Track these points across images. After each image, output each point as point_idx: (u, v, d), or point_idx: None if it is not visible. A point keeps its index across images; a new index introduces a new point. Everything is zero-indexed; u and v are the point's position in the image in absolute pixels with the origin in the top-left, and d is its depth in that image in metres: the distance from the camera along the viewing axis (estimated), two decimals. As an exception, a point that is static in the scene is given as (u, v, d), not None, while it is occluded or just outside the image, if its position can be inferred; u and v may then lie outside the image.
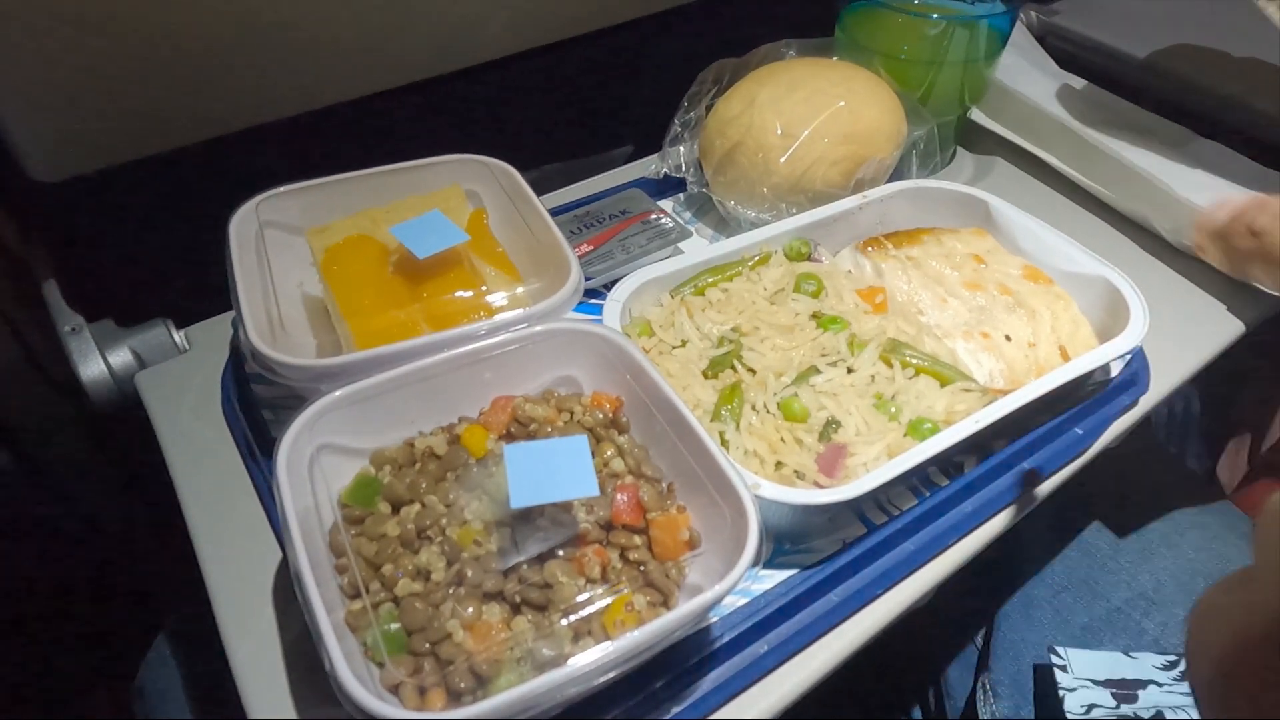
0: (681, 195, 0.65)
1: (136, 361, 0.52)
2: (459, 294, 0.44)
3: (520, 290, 0.45)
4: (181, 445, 0.47)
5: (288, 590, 0.40)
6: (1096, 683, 0.58)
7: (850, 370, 0.45)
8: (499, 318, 0.42)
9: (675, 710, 0.36)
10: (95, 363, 0.52)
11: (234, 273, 0.43)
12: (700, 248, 0.53)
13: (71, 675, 0.85)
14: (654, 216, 0.60)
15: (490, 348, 0.40)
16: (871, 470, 0.39)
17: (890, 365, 0.45)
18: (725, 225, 0.62)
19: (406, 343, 0.40)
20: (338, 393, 0.37)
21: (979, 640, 0.69)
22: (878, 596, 0.41)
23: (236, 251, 0.44)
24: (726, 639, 0.37)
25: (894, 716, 0.72)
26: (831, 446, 0.41)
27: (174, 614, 0.77)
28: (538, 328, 0.41)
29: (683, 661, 0.37)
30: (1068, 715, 0.56)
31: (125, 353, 0.52)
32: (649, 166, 0.64)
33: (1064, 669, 0.58)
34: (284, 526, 0.32)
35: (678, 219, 0.59)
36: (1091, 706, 0.57)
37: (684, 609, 0.31)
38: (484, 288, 0.45)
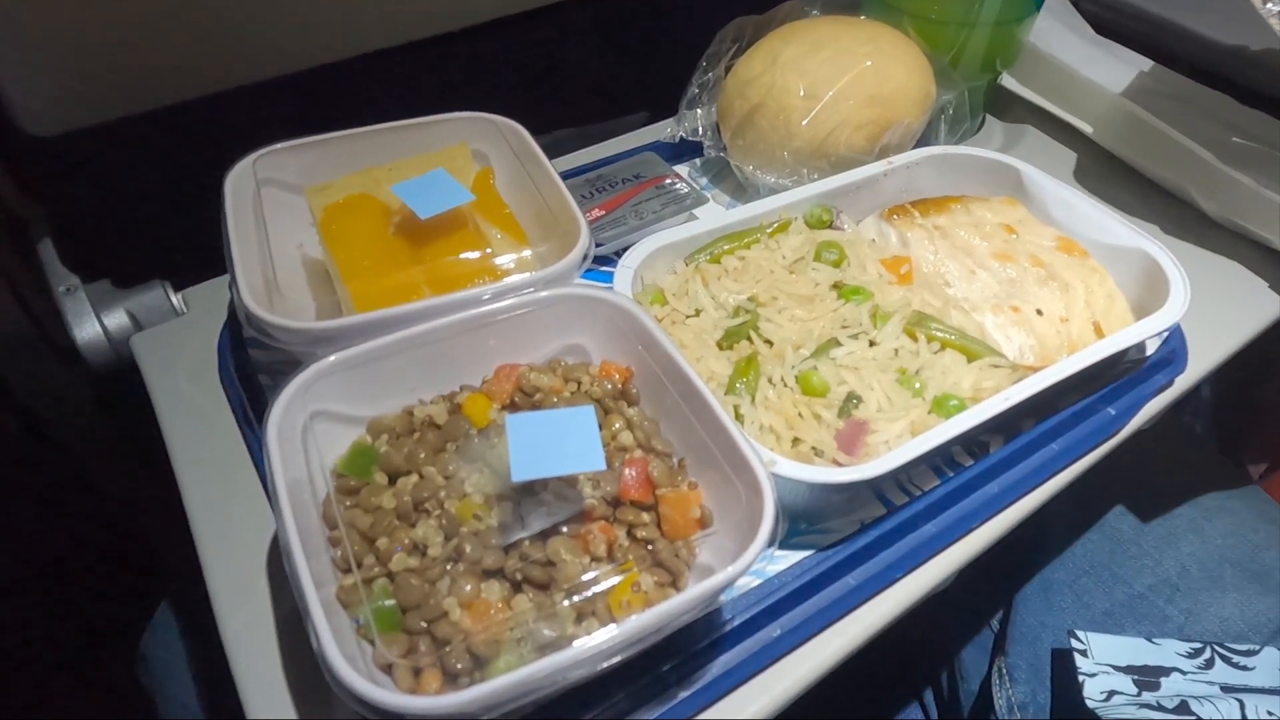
0: (698, 160, 0.62)
1: (133, 324, 0.51)
2: (463, 256, 0.42)
3: (527, 254, 0.43)
4: (177, 411, 0.45)
5: (280, 563, 0.39)
6: (1117, 668, 0.56)
7: (872, 343, 0.43)
8: (504, 282, 0.40)
9: (683, 694, 0.34)
10: (90, 324, 0.51)
11: (229, 232, 0.41)
12: (716, 214, 0.51)
13: (73, 642, 0.85)
14: (669, 181, 0.57)
15: (495, 313, 0.39)
16: (893, 448, 0.37)
17: (915, 339, 0.43)
18: (743, 191, 0.59)
19: (407, 306, 0.38)
20: (333, 357, 0.35)
21: (995, 623, 0.67)
22: (896, 580, 0.39)
23: (232, 210, 0.42)
24: (738, 622, 0.36)
25: (904, 697, 0.71)
26: (852, 423, 0.39)
27: (176, 581, 0.76)
28: (545, 293, 0.39)
29: (692, 644, 0.35)
30: (1087, 701, 0.54)
31: (121, 315, 0.51)
32: (664, 130, 0.62)
33: (1084, 654, 0.56)
34: (274, 496, 0.30)
35: (693, 184, 0.57)
36: (1112, 693, 0.55)
37: (694, 591, 0.29)
38: (489, 250, 0.42)
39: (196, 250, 0.55)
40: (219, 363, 0.47)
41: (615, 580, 0.32)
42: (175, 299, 0.52)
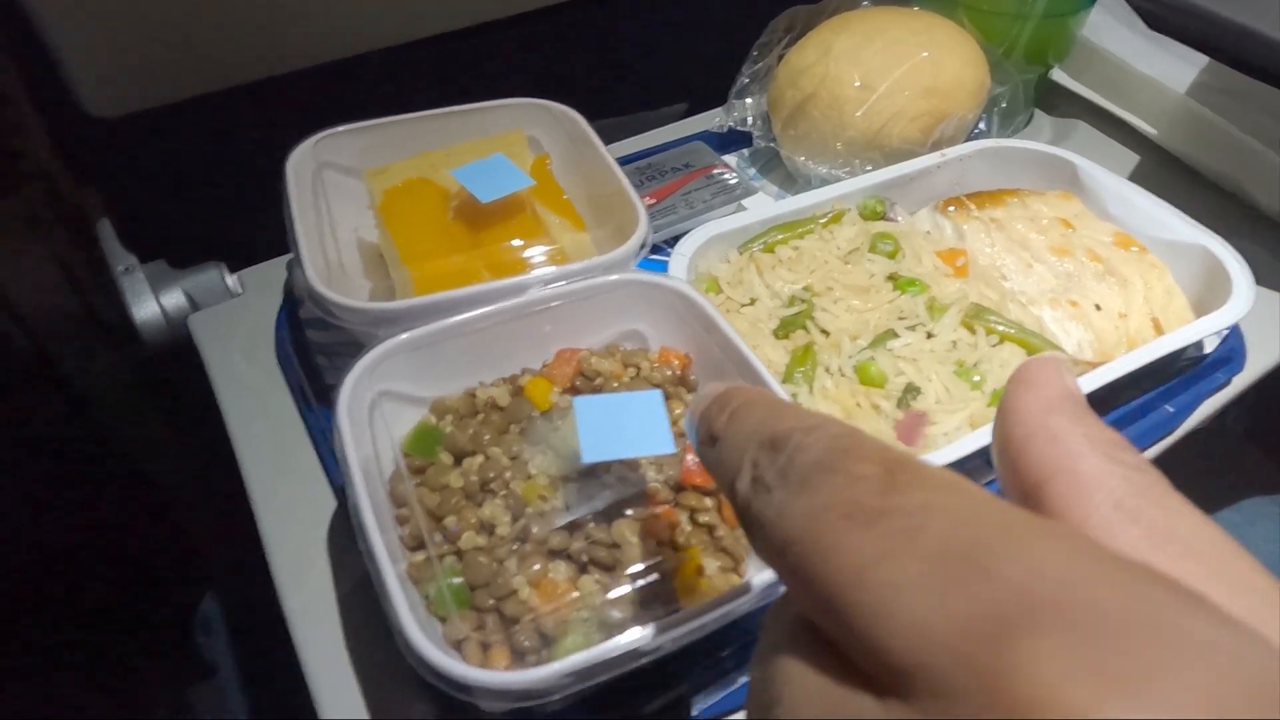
0: (746, 150, 0.62)
1: (189, 304, 0.52)
2: (522, 241, 0.42)
3: (585, 240, 0.43)
4: (235, 389, 0.46)
5: (343, 540, 0.40)
6: None
7: (930, 335, 0.43)
8: (564, 267, 0.40)
9: (741, 679, 0.34)
10: (149, 304, 0.51)
11: (292, 213, 0.41)
12: (765, 205, 0.51)
13: (111, 624, 0.86)
14: (718, 171, 0.57)
15: (555, 297, 0.39)
16: (953, 440, 0.37)
17: (973, 331, 0.43)
18: (792, 182, 0.59)
19: (469, 289, 0.38)
20: (401, 337, 0.36)
21: None
22: (953, 572, 0.39)
23: (294, 191, 0.42)
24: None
25: None
26: (911, 414, 0.39)
27: (221, 564, 0.77)
28: (605, 278, 0.39)
29: (751, 630, 0.35)
30: None
31: (178, 295, 0.52)
32: (713, 120, 0.62)
33: None
34: (346, 474, 0.31)
35: (742, 174, 0.57)
36: None
37: (765, 575, 0.29)
38: (548, 236, 0.43)
39: (250, 233, 0.56)
40: (276, 343, 0.48)
41: (680, 564, 0.32)
42: (230, 280, 0.53)
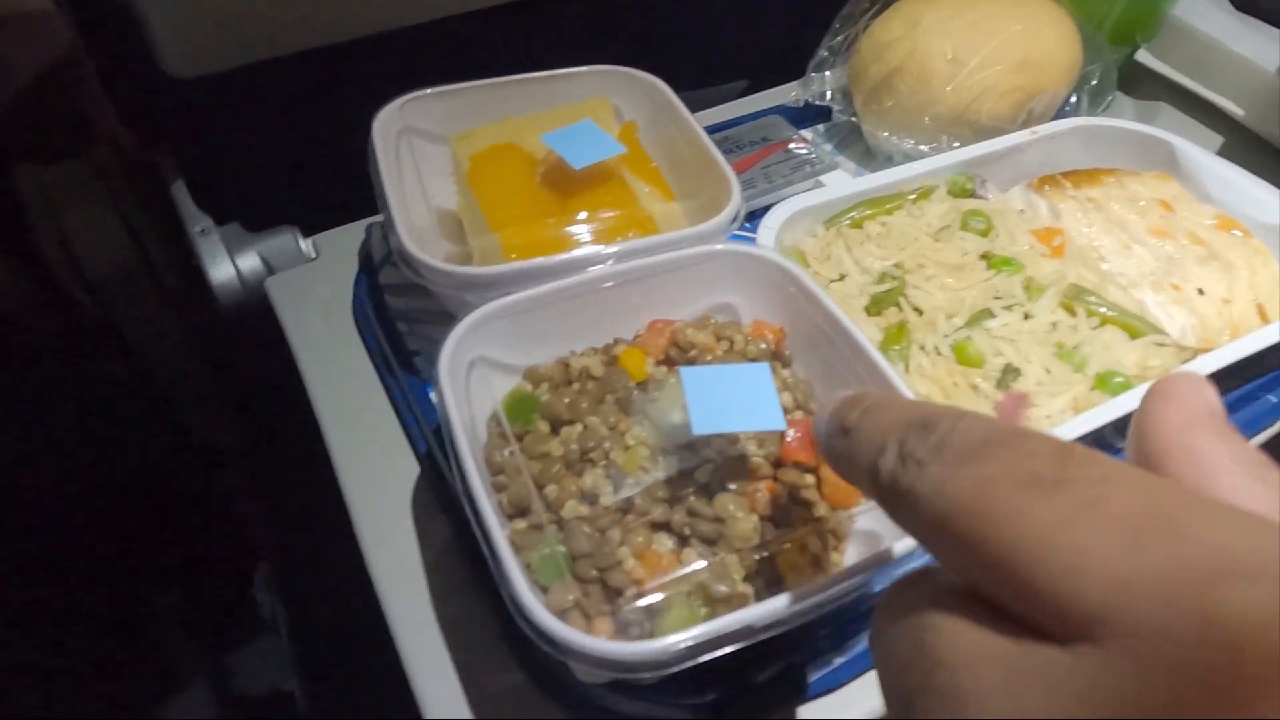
0: (822, 126, 0.61)
1: (264, 267, 0.51)
2: (611, 210, 0.41)
3: (675, 209, 0.42)
4: (313, 353, 0.46)
5: (427, 506, 0.39)
6: None
7: (1027, 316, 0.41)
8: (657, 237, 0.39)
9: (838, 660, 0.34)
10: (224, 266, 0.51)
11: (381, 174, 0.41)
12: (844, 181, 0.49)
13: (167, 590, 0.87)
14: (795, 146, 0.56)
15: (648, 268, 0.38)
16: (1057, 424, 0.36)
17: (1073, 313, 0.41)
18: (870, 158, 0.58)
19: (562, 255, 0.37)
20: (499, 302, 0.35)
21: None
22: (1050, 559, 0.38)
23: (382, 153, 0.42)
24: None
25: None
26: (1012, 395, 0.38)
27: (269, 529, 0.78)
28: (699, 249, 0.38)
29: (850, 609, 0.34)
30: None
31: (254, 258, 0.51)
32: (787, 94, 0.60)
33: None
34: (450, 437, 0.30)
35: (819, 150, 0.56)
36: None
37: (879, 554, 0.29)
38: (637, 205, 0.42)
39: (322, 198, 0.55)
40: (353, 308, 0.47)
41: (784, 541, 0.31)
42: (304, 244, 0.52)
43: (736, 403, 0.31)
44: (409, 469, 0.41)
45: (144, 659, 0.85)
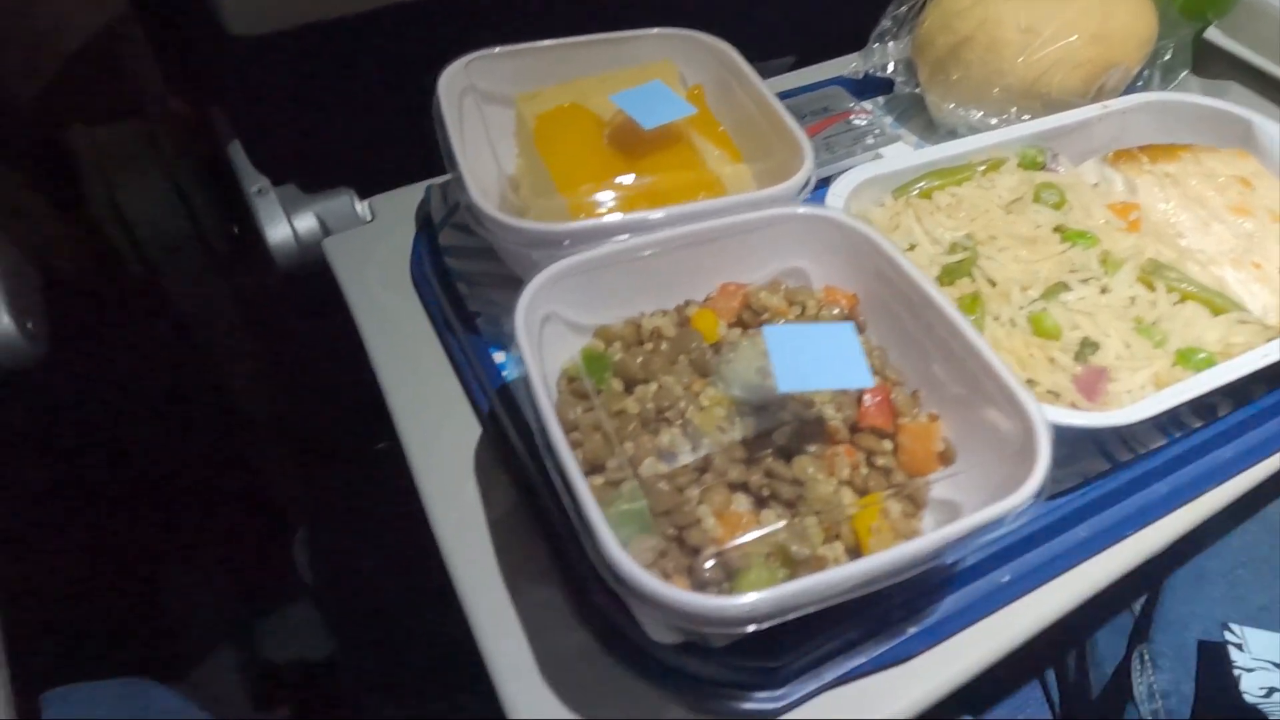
0: (881, 99, 0.60)
1: (321, 228, 0.51)
2: (680, 171, 0.41)
3: (744, 172, 0.41)
4: (372, 314, 0.45)
5: (489, 466, 0.39)
6: (1278, 666, 0.53)
7: (1104, 290, 0.40)
8: (729, 199, 0.38)
9: (911, 630, 0.33)
10: (281, 226, 0.51)
11: (448, 131, 0.40)
12: (905, 154, 0.48)
13: (205, 548, 0.88)
14: (856, 117, 0.55)
15: (721, 229, 0.37)
16: (1138, 399, 0.35)
17: (1151, 288, 0.40)
18: (932, 131, 0.57)
19: (634, 214, 0.37)
20: (574, 258, 0.34)
21: (1136, 608, 0.64)
22: (1125, 538, 0.37)
23: (448, 110, 0.41)
24: (969, 563, 0.34)
25: (1022, 675, 0.69)
26: (1091, 369, 0.37)
27: (314, 505, 0.78)
28: (772, 211, 0.38)
29: (924, 581, 0.34)
30: (1245, 696, 0.51)
31: (310, 218, 0.51)
32: (848, 65, 0.59)
33: (1239, 647, 0.53)
34: (531, 391, 0.30)
35: (879, 122, 0.55)
36: (1272, 690, 0.52)
37: (966, 522, 0.28)
38: (705, 167, 0.41)
39: (375, 160, 0.55)
40: (413, 270, 0.47)
41: (863, 505, 0.31)
42: (360, 206, 0.52)
43: (822, 361, 0.30)
44: (470, 429, 0.40)
45: (170, 624, 0.86)
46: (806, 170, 0.39)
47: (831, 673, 0.32)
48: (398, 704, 0.65)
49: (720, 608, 0.25)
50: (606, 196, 0.40)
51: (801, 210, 0.38)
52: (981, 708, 0.62)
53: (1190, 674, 0.59)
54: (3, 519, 0.70)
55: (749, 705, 0.31)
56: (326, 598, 0.80)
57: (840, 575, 0.27)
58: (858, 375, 0.30)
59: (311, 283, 0.52)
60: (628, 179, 0.40)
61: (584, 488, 0.27)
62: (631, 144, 0.41)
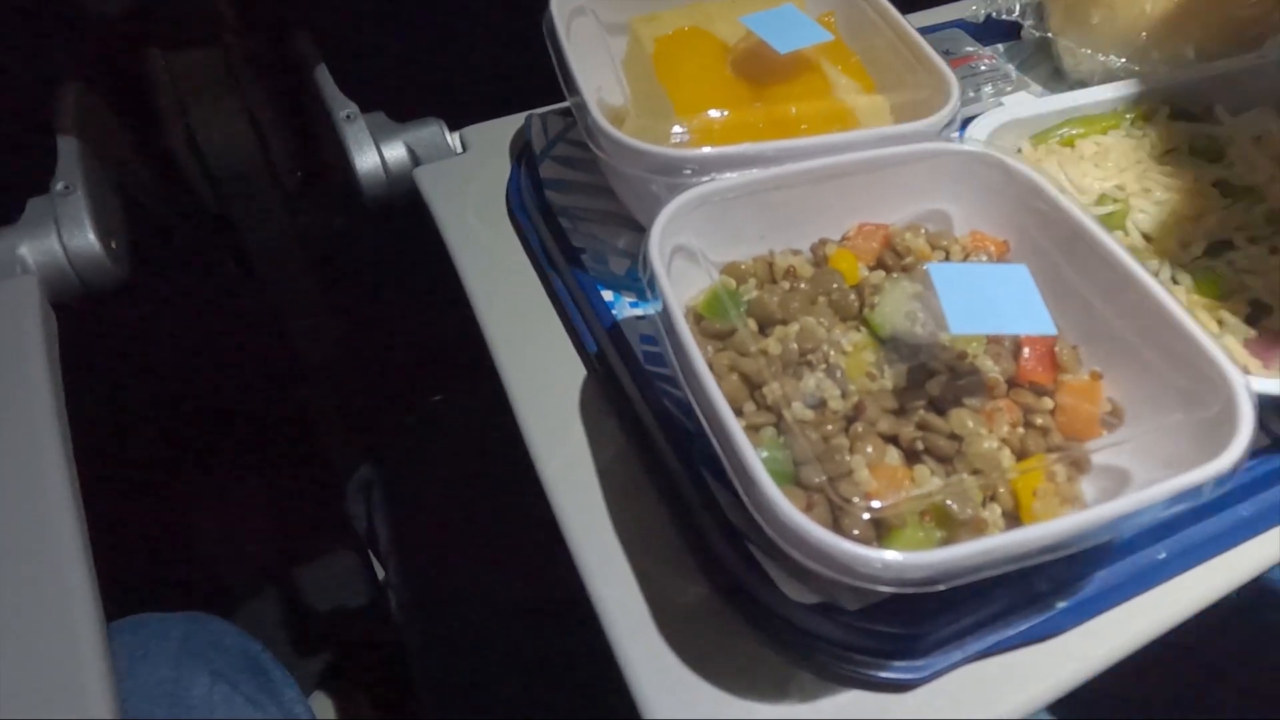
0: (1001, 45, 0.55)
1: (410, 158, 0.49)
2: (811, 101, 0.38)
3: (881, 104, 0.38)
4: (467, 244, 0.43)
5: (597, 409, 0.37)
6: None
7: (1274, 250, 0.37)
8: (868, 131, 0.35)
9: (1060, 605, 0.31)
10: (370, 154, 0.49)
11: (566, 53, 0.37)
12: (1028, 103, 0.45)
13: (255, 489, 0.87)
14: (975, 63, 0.51)
15: (861, 164, 0.34)
16: (1319, 367, 0.32)
17: (1329, 250, 0.37)
18: (1058, 79, 0.53)
19: (768, 143, 0.34)
20: (705, 188, 0.32)
21: None
22: (1291, 517, 0.34)
23: (564, 31, 0.39)
24: (1122, 537, 0.32)
25: None
26: (1267, 333, 0.33)
27: (368, 455, 0.76)
28: (915, 146, 0.35)
29: (1074, 555, 0.31)
30: None
31: (400, 148, 0.49)
32: (968, 8, 0.55)
33: None
34: (674, 329, 0.27)
35: (1003, 68, 0.51)
36: None
37: (1157, 489, 0.25)
38: (837, 98, 0.38)
39: (462, 91, 0.53)
40: (511, 203, 0.45)
41: (1026, 468, 0.28)
42: (451, 138, 0.50)
43: (996, 304, 0.27)
44: (575, 370, 0.38)
45: (210, 569, 0.85)
46: (953, 106, 0.36)
47: (975, 645, 0.30)
48: (453, 663, 0.64)
49: (902, 565, 0.23)
50: (732, 124, 0.37)
51: (959, 148, 0.34)
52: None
53: None
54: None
55: (886, 674, 0.29)
56: (383, 553, 0.79)
57: (998, 543, 0.24)
58: (1037, 321, 0.27)
59: (381, 228, 0.50)
60: (755, 107, 0.37)
61: (738, 430, 0.25)
62: (759, 71, 0.38)
